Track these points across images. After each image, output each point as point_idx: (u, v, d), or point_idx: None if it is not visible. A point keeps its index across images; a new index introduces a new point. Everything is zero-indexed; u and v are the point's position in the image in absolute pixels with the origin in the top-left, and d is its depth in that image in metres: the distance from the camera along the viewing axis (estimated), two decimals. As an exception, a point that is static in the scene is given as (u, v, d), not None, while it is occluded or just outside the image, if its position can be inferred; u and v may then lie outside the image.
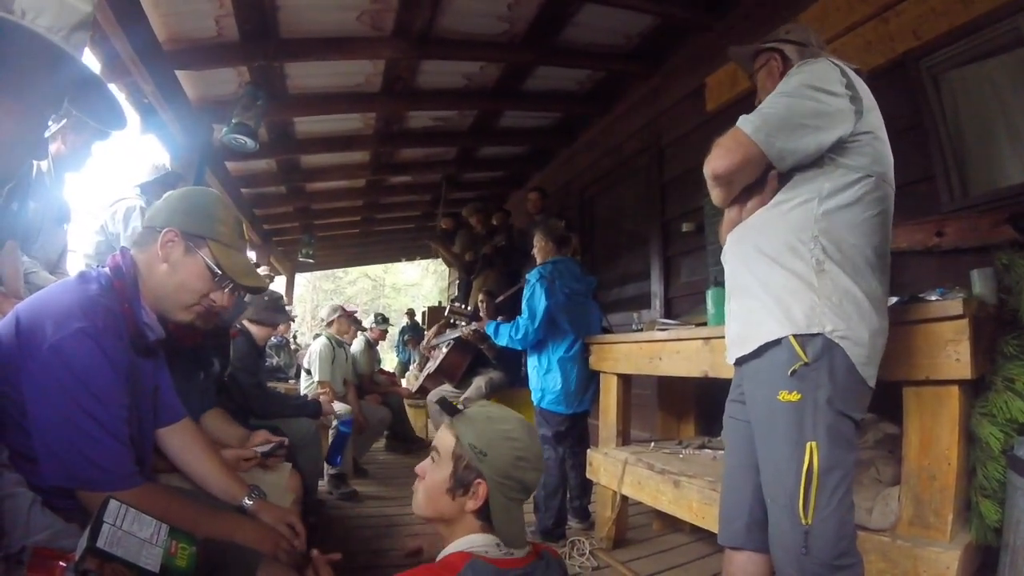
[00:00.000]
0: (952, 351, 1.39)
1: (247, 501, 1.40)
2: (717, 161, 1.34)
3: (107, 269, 1.23)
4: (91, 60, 3.31)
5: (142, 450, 1.28)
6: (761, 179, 1.38)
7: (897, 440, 1.69)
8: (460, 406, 1.27)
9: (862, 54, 2.57)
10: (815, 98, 1.29)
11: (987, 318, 1.48)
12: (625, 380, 2.89)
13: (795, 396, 1.24)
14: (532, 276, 3.07)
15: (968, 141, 2.28)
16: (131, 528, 0.95)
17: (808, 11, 2.90)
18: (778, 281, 1.30)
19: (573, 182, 5.70)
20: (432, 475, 1.18)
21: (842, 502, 1.21)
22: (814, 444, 1.21)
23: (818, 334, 1.23)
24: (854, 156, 1.29)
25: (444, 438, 1.20)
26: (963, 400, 1.44)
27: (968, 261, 1.97)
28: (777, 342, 1.28)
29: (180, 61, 3.27)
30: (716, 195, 1.45)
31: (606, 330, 3.26)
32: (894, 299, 1.62)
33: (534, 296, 2.99)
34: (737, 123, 1.33)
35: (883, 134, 1.36)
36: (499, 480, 1.13)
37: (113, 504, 0.94)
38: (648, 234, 4.25)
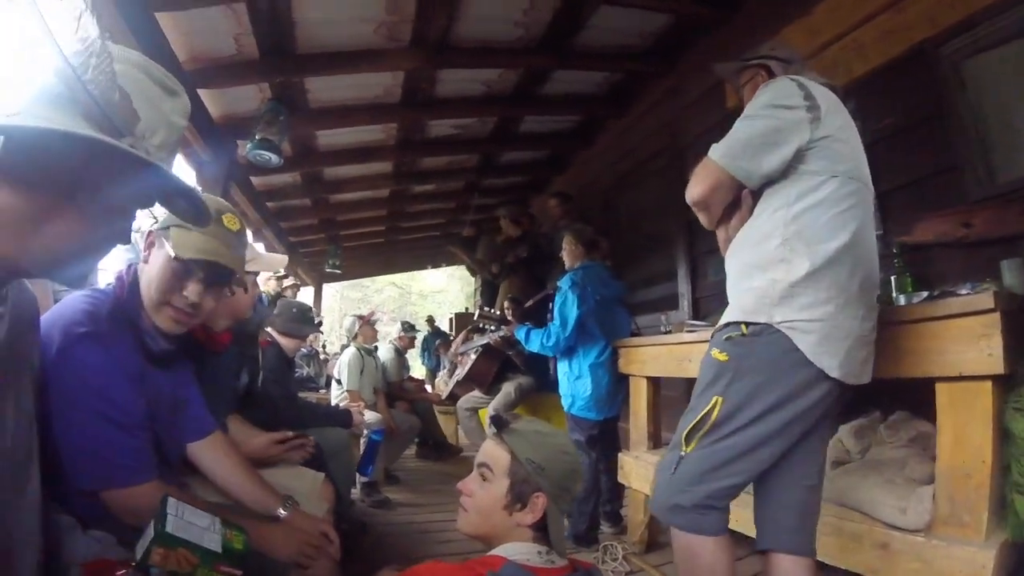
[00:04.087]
0: (984, 346, 1.37)
1: (281, 511, 1.42)
2: (692, 189, 1.46)
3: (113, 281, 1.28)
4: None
5: (164, 457, 1.30)
6: (738, 199, 1.49)
7: (930, 438, 1.67)
8: (507, 420, 1.30)
9: (879, 44, 2.53)
10: (773, 116, 1.39)
11: (1018, 310, 1.45)
12: (654, 383, 2.86)
13: (723, 356, 1.39)
14: (564, 283, 3.06)
15: (992, 129, 2.21)
16: (191, 519, 1.01)
17: (823, 2, 2.85)
18: (746, 287, 1.41)
19: (594, 184, 5.67)
20: (485, 492, 1.21)
21: (717, 454, 1.34)
22: (719, 399, 1.35)
23: (764, 323, 1.33)
24: (815, 161, 1.37)
25: (496, 454, 1.23)
26: (996, 395, 1.40)
27: (997, 252, 1.93)
28: (727, 325, 1.42)
29: (201, 80, 3.33)
30: (702, 219, 1.55)
31: (635, 333, 3.24)
32: (921, 294, 1.67)
33: (566, 303, 2.98)
34: (709, 151, 1.43)
35: (845, 134, 1.43)
36: (556, 492, 1.18)
37: (171, 499, 1.01)
38: (673, 234, 4.21)
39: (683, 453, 1.39)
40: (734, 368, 1.36)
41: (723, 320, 1.45)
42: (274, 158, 3.68)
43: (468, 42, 3.67)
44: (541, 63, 4.01)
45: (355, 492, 3.54)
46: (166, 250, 1.22)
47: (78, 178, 0.74)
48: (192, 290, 1.25)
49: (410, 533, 3.15)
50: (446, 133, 5.20)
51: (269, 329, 2.97)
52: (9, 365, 0.82)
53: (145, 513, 1.08)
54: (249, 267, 1.82)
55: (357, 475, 3.46)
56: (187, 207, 0.89)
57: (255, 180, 5.05)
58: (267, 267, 2.00)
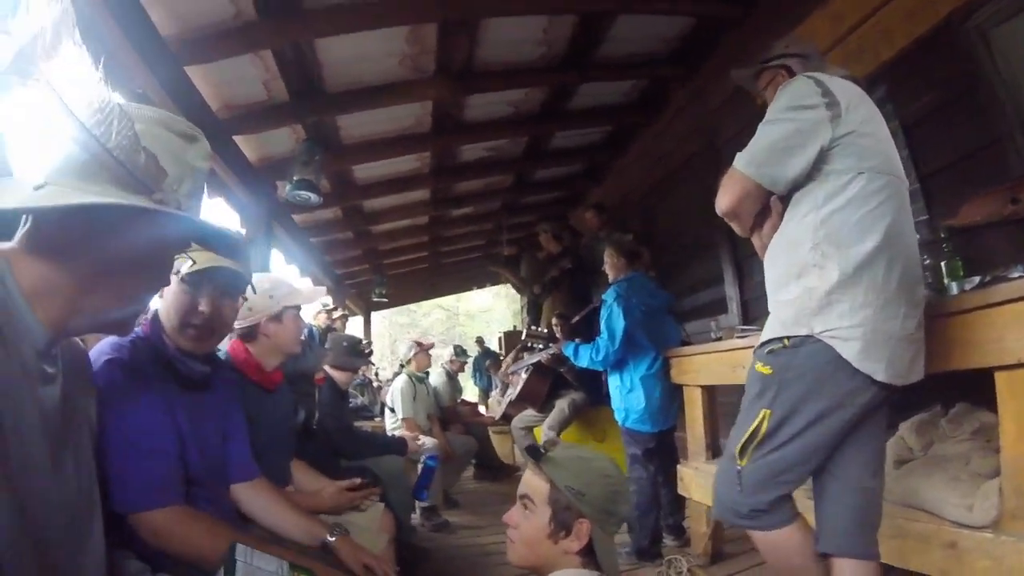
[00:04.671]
0: (1043, 330, 1.30)
1: (330, 537, 1.44)
2: (720, 200, 1.47)
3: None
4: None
5: (204, 488, 1.33)
6: (768, 204, 1.49)
7: (994, 429, 1.59)
8: (543, 449, 1.31)
9: (904, 24, 2.44)
10: (792, 118, 1.38)
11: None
12: (709, 391, 2.79)
13: (767, 370, 1.38)
14: (608, 296, 3.04)
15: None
16: (259, 564, 1.03)
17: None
18: (785, 298, 1.40)
19: (631, 193, 5.62)
20: (528, 523, 1.22)
21: (772, 464, 1.36)
22: (767, 412, 1.35)
23: (805, 335, 1.32)
24: (840, 159, 1.35)
25: (535, 484, 1.23)
26: (1060, 381, 1.32)
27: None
28: (769, 340, 1.42)
29: (235, 127, 3.45)
30: (735, 228, 1.55)
31: (685, 342, 3.17)
32: (973, 279, 1.61)
33: (612, 316, 2.96)
34: (734, 160, 1.43)
35: (869, 127, 1.40)
36: (600, 517, 1.17)
37: (240, 546, 1.03)
38: (716, 237, 4.12)
39: (739, 467, 1.40)
40: (778, 381, 1.36)
41: (764, 336, 1.44)
42: (313, 197, 3.77)
43: (492, 66, 3.72)
44: (566, 79, 4.03)
45: (415, 517, 3.57)
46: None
47: (115, 241, 0.78)
48: (206, 303, 1.29)
49: (471, 556, 3.15)
50: (479, 156, 5.27)
51: (324, 366, 3.04)
52: (67, 421, 0.85)
53: (165, 537, 1.12)
54: (289, 301, 1.87)
55: (415, 502, 3.49)
56: (221, 243, 0.93)
57: (297, 218, 5.20)
58: (307, 300, 2.04)
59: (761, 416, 1.36)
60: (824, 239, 1.33)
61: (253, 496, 1.49)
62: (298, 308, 1.93)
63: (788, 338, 1.35)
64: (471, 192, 6.17)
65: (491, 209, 6.85)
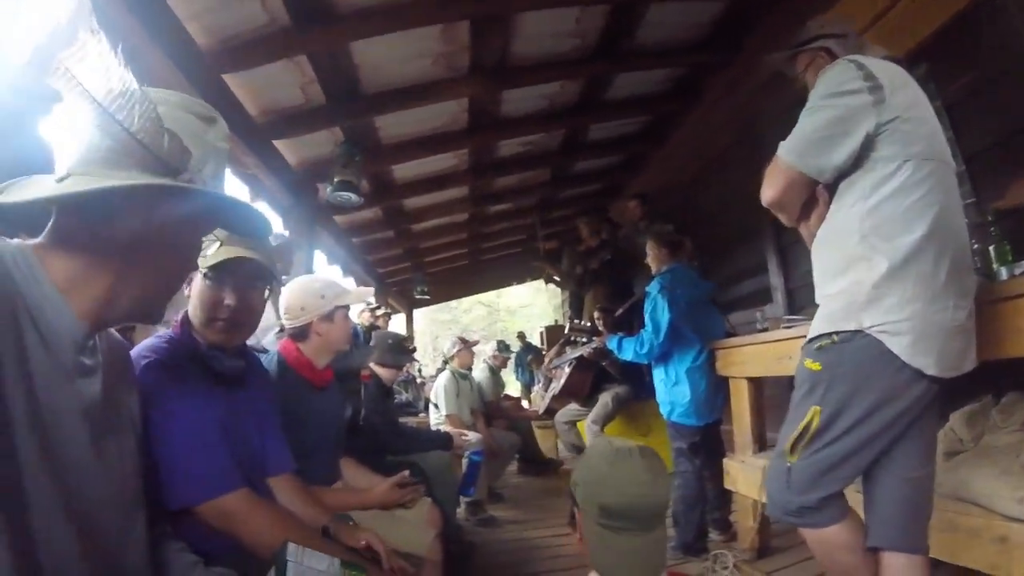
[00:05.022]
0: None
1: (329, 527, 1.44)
2: (766, 191, 1.44)
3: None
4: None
5: (248, 477, 1.34)
6: (815, 194, 1.45)
7: None
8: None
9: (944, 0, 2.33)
10: (835, 105, 1.34)
11: None
12: (756, 383, 2.73)
13: (816, 366, 1.36)
14: (652, 288, 3.00)
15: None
16: (310, 563, 1.04)
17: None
18: (832, 291, 1.38)
19: (672, 183, 5.54)
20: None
21: (822, 461, 1.33)
22: (817, 408, 1.33)
23: (854, 330, 1.29)
24: (886, 146, 1.31)
25: None
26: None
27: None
28: (818, 336, 1.39)
29: (275, 131, 3.53)
30: (781, 219, 1.53)
31: (730, 333, 3.11)
32: (1023, 263, 1.60)
33: (656, 309, 2.92)
34: (777, 150, 1.40)
35: (915, 112, 1.35)
36: (585, 508, 1.17)
37: (292, 545, 1.04)
38: (759, 225, 4.02)
39: (789, 464, 1.39)
40: (828, 377, 1.34)
41: (812, 332, 1.42)
42: (354, 197, 3.83)
43: (526, 60, 3.70)
44: (600, 70, 3.99)
45: (460, 512, 3.60)
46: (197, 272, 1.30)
47: (145, 225, 0.79)
48: (231, 296, 1.30)
49: (517, 550, 3.16)
50: (516, 151, 5.27)
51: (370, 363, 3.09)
52: (109, 413, 0.86)
53: (238, 519, 1.15)
54: (340, 301, 1.93)
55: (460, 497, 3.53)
56: (244, 222, 0.94)
57: (339, 219, 5.30)
58: (356, 299, 2.09)
59: (811, 413, 1.34)
60: (872, 230, 1.30)
61: (280, 491, 1.50)
62: (347, 308, 1.98)
63: (836, 333, 1.33)
64: (509, 188, 6.17)
65: (529, 204, 6.84)
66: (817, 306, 1.45)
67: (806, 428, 1.35)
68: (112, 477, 0.83)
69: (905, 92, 1.36)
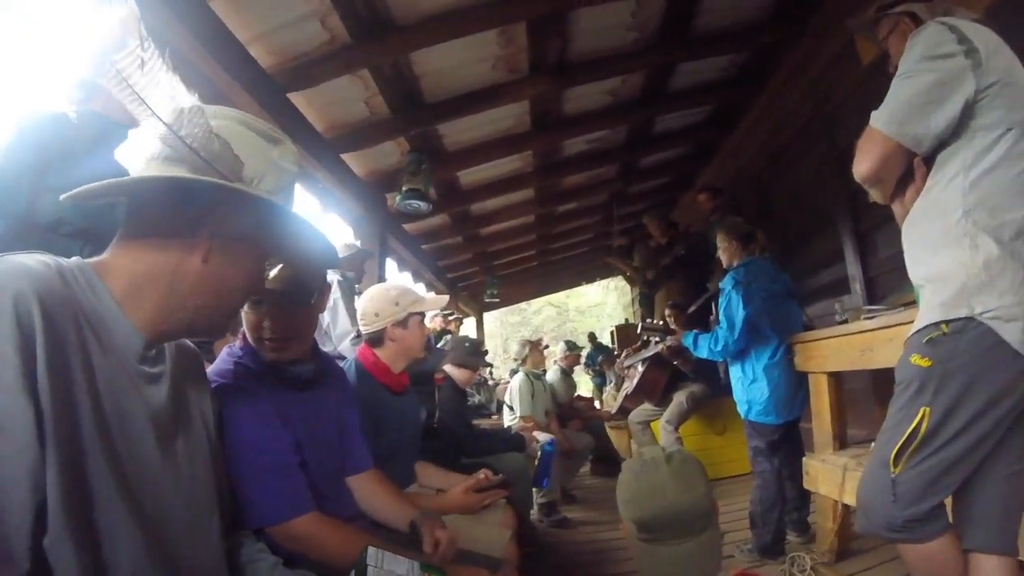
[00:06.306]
0: None
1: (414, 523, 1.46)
2: (860, 165, 1.35)
3: None
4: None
5: (325, 482, 1.39)
6: (911, 168, 1.35)
7: None
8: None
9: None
10: (932, 68, 1.24)
11: None
12: (836, 378, 2.59)
13: (926, 362, 1.25)
14: (726, 283, 2.90)
15: None
16: (391, 567, 1.06)
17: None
18: (934, 271, 1.29)
19: (744, 171, 5.32)
20: None
21: (933, 469, 1.23)
22: (927, 410, 1.23)
23: (966, 317, 1.19)
24: (987, 113, 1.22)
25: None
26: None
27: None
28: (926, 327, 1.28)
29: (342, 145, 3.65)
30: (874, 195, 1.44)
31: (808, 327, 2.96)
32: None
33: (731, 304, 2.82)
34: (870, 120, 1.31)
35: (1015, 76, 1.24)
36: (627, 524, 1.18)
37: (371, 549, 1.06)
38: (834, 211, 3.79)
39: (894, 475, 1.27)
40: (940, 373, 1.22)
41: (919, 323, 1.30)
42: (423, 205, 3.92)
43: (586, 56, 3.67)
44: (662, 60, 3.90)
45: (533, 513, 3.60)
46: None
47: (200, 227, 0.82)
48: (268, 320, 1.31)
49: (591, 552, 3.14)
50: (581, 149, 5.23)
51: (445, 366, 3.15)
52: (179, 418, 0.89)
53: (305, 543, 1.19)
54: (414, 308, 1.98)
55: (534, 498, 3.52)
56: (314, 248, 0.96)
57: (408, 227, 5.43)
58: (431, 307, 2.13)
59: (920, 415, 1.24)
60: (976, 206, 1.20)
61: (363, 487, 1.54)
62: (422, 315, 2.02)
63: (947, 323, 1.22)
64: (576, 186, 6.12)
65: (598, 202, 6.76)
66: (897, 295, 1.35)
67: (914, 432, 1.24)
68: (180, 479, 0.85)
69: (1001, 55, 1.25)
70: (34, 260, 0.71)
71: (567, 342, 6.00)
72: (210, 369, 1.27)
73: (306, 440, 1.34)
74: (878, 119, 1.29)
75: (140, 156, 0.81)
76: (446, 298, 2.62)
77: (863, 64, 3.14)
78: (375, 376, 1.95)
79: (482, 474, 2.02)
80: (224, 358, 1.35)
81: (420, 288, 6.16)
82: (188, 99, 0.78)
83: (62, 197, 0.75)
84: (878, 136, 1.29)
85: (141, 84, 0.73)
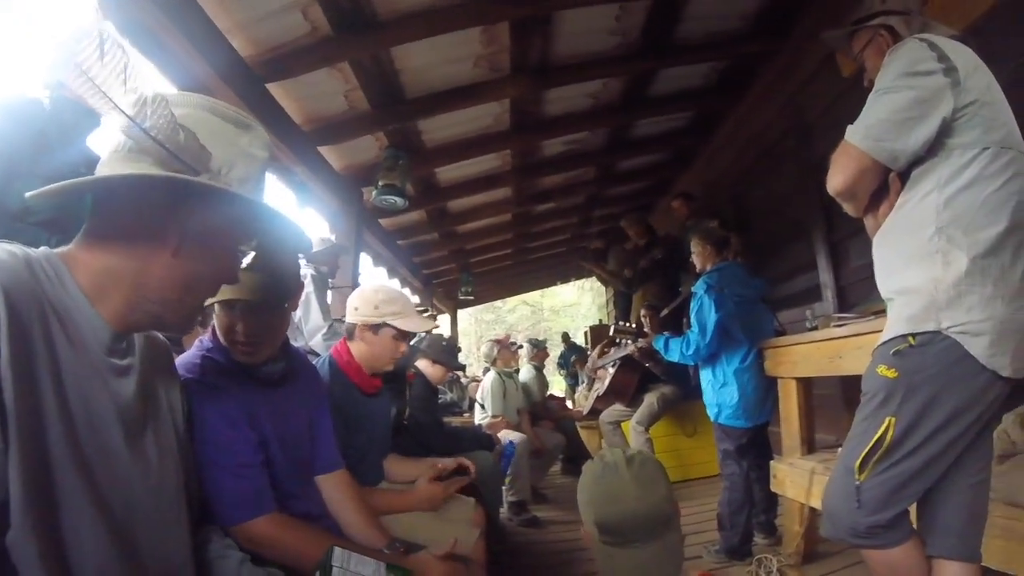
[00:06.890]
0: None
1: (384, 551, 1.43)
2: (834, 179, 1.36)
3: None
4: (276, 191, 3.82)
5: (293, 481, 1.37)
6: (886, 183, 1.36)
7: None
8: None
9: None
10: (911, 85, 1.25)
11: None
12: (805, 384, 2.64)
13: (892, 373, 1.27)
14: (699, 287, 2.92)
15: None
16: (356, 568, 1.06)
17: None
18: (904, 285, 1.29)
19: (720, 179, 5.41)
20: None
21: (897, 477, 1.25)
22: (892, 419, 1.24)
23: (933, 331, 1.21)
24: (964, 132, 1.23)
25: None
26: None
27: None
28: (892, 338, 1.30)
29: (320, 138, 3.61)
30: (847, 209, 1.44)
31: (779, 332, 3.01)
32: None
33: (703, 309, 2.84)
34: (845, 135, 1.31)
35: (992, 95, 1.27)
36: (588, 527, 1.19)
37: (337, 550, 1.06)
38: (808, 220, 3.88)
39: (858, 481, 1.29)
40: (905, 384, 1.24)
41: (886, 335, 1.32)
42: (399, 201, 3.88)
43: (567, 59, 3.68)
44: (643, 66, 3.93)
45: (503, 512, 3.60)
46: None
47: (163, 221, 0.80)
48: (241, 324, 1.28)
49: (561, 551, 3.14)
50: (560, 151, 5.25)
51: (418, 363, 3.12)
52: (147, 412, 0.87)
53: (264, 545, 1.18)
54: (391, 319, 1.90)
55: (504, 497, 3.53)
56: (285, 235, 0.95)
57: (384, 222, 5.38)
58: (410, 328, 1.98)
59: (886, 424, 1.25)
60: (950, 223, 1.21)
61: (331, 488, 1.51)
62: (396, 331, 1.92)
63: (914, 336, 1.24)
64: (554, 186, 6.14)
65: (575, 203, 6.80)
66: (868, 304, 1.38)
67: (879, 441, 1.26)
68: (149, 474, 0.84)
69: (980, 74, 1.27)
70: (0, 250, 0.69)
71: (530, 340, 6.02)
72: (178, 360, 1.24)
73: (274, 438, 1.32)
74: (854, 134, 1.30)
75: (106, 149, 0.79)
76: (432, 323, 2.56)
77: (844, 76, 3.21)
78: (348, 375, 1.92)
79: (440, 463, 2.03)
80: (193, 351, 1.32)
81: (395, 284, 6.10)
82: (151, 88, 0.76)
83: (27, 195, 0.73)
84: (853, 151, 1.30)
85: (102, 76, 0.72)
